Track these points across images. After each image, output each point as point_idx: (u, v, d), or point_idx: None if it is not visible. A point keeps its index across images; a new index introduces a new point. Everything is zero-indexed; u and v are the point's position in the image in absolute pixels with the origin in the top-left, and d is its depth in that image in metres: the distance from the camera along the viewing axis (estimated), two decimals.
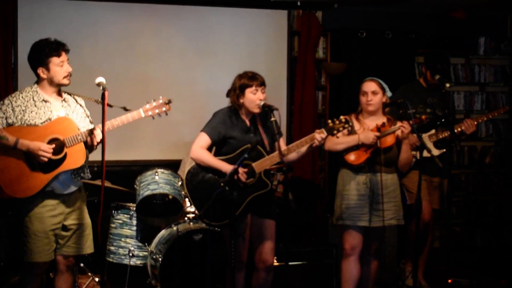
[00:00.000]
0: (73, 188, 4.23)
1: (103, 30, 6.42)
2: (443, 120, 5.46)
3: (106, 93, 3.95)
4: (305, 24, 6.89)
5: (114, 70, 6.32)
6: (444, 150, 5.50)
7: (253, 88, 4.46)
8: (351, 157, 4.73)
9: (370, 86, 4.76)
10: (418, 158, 4.68)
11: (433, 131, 5.52)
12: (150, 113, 4.29)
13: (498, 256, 6.99)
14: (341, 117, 4.40)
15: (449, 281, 5.34)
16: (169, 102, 4.33)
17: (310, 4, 6.93)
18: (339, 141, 4.67)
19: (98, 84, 4.01)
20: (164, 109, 4.32)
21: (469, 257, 7.03)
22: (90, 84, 4.20)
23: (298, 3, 6.91)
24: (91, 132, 4.11)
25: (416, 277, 4.81)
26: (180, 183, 5.17)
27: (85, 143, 4.15)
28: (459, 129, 5.45)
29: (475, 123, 5.48)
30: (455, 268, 6.15)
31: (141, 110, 4.27)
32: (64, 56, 4.15)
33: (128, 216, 5.22)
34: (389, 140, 4.67)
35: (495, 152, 7.79)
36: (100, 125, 4.05)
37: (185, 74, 6.66)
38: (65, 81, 4.18)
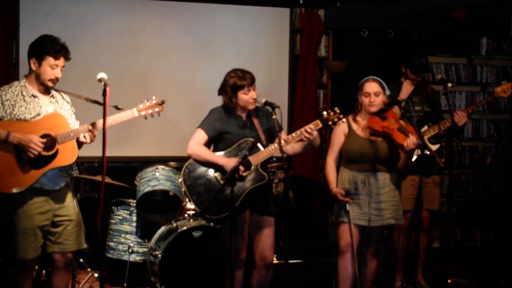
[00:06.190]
0: (61, 184, 4.20)
1: (105, 26, 6.42)
2: (433, 116, 5.49)
3: (108, 89, 3.91)
4: (307, 22, 6.89)
5: (115, 67, 6.31)
6: (439, 145, 5.52)
7: (245, 89, 4.48)
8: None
9: (372, 87, 4.71)
10: (418, 155, 4.66)
11: (425, 128, 5.51)
12: (143, 113, 4.26)
13: (497, 256, 6.98)
14: (336, 108, 4.44)
15: (449, 281, 5.33)
16: (162, 102, 4.31)
17: (313, 2, 6.91)
18: (327, 173, 4.81)
19: (100, 80, 3.98)
20: (157, 109, 4.30)
21: (468, 257, 7.02)
22: (90, 80, 4.19)
23: (301, 1, 6.90)
24: (92, 126, 4.08)
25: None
26: (180, 179, 5.16)
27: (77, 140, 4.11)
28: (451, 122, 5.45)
29: (466, 114, 5.46)
30: (455, 268, 6.13)
31: (135, 110, 4.24)
32: (61, 61, 4.09)
33: (128, 212, 5.22)
34: (401, 138, 4.63)
35: (496, 152, 7.79)
36: (99, 121, 4.03)
37: (186, 71, 6.66)
38: (49, 83, 4.12)
